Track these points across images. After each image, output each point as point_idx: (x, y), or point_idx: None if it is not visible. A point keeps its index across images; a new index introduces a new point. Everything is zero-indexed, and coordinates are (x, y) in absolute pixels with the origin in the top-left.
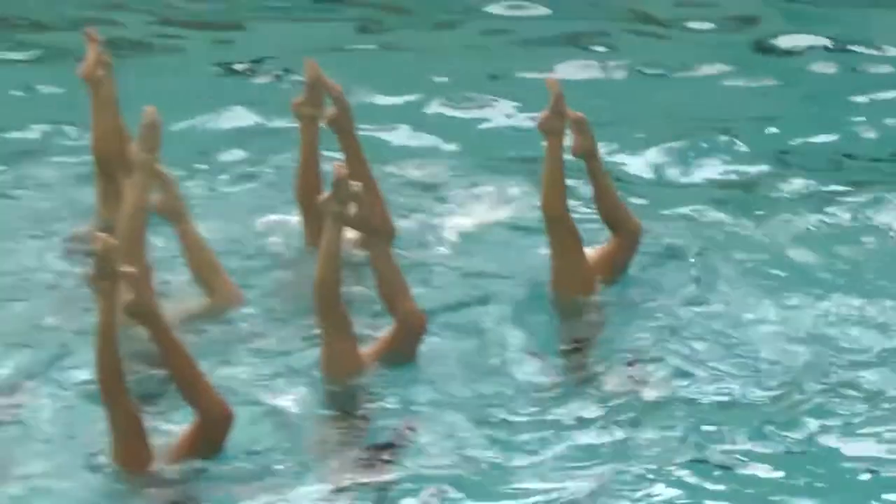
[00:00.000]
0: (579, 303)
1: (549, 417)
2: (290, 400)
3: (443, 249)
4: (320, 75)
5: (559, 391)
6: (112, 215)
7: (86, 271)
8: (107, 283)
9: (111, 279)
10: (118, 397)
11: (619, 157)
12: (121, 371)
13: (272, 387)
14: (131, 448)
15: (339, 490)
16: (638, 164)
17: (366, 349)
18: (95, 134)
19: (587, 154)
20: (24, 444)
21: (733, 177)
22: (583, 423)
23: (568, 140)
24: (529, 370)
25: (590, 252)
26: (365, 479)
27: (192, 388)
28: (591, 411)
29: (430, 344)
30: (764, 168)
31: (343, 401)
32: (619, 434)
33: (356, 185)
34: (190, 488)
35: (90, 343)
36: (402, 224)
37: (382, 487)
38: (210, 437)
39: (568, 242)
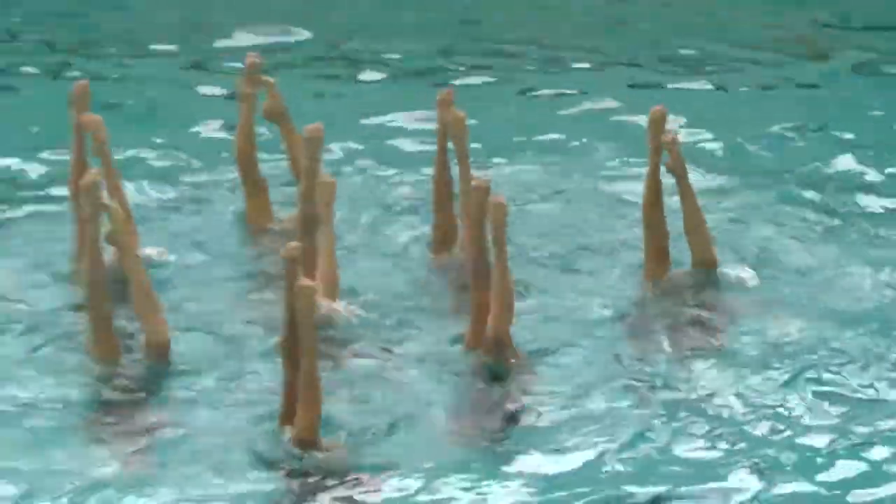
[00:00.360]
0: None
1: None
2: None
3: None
4: (445, 98)
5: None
6: (255, 222)
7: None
8: (290, 284)
9: (293, 282)
10: (291, 361)
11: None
12: (295, 339)
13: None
14: (290, 409)
15: (478, 461)
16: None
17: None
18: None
19: (677, 174)
20: (206, 405)
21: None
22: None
23: None
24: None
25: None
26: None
27: (307, 393)
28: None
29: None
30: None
31: (485, 372)
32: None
33: (498, 199)
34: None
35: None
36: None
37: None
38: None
39: (657, 239)
